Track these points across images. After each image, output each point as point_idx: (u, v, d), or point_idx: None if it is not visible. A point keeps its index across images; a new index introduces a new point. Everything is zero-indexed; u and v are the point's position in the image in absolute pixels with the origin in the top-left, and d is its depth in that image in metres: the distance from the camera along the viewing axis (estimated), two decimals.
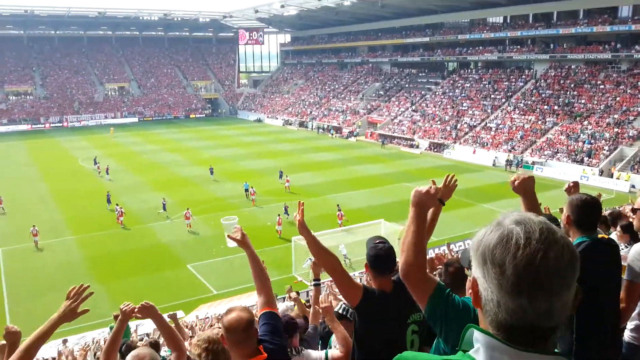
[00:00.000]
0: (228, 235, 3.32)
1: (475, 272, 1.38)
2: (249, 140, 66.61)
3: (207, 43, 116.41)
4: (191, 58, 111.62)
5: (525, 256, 1.25)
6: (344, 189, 39.89)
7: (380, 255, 3.44)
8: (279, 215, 30.76)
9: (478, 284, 1.37)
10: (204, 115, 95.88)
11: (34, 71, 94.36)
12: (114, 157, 51.99)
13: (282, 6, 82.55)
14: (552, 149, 48.40)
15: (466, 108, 62.16)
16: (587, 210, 3.18)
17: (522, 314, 1.28)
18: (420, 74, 77.74)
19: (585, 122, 49.63)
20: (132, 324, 19.10)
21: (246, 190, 37.51)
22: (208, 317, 17.61)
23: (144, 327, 18.32)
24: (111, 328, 13.13)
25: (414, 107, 68.57)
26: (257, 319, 2.97)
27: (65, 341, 17.14)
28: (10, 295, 22.89)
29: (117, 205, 33.25)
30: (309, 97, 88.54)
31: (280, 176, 41.75)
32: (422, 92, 71.63)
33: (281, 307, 8.13)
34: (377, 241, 3.52)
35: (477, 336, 1.37)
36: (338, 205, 32.03)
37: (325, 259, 3.33)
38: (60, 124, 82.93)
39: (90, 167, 49.28)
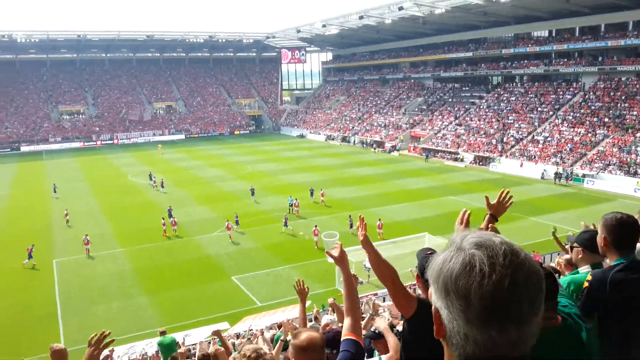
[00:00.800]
0: (327, 252, 3.29)
1: (437, 302, 1.25)
2: (292, 155, 67.25)
3: (251, 62, 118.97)
4: (235, 77, 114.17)
5: (492, 285, 1.14)
6: (387, 203, 39.61)
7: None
8: (315, 226, 30.98)
9: (441, 315, 1.25)
10: (247, 131, 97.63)
11: (86, 92, 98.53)
12: (162, 173, 53.35)
13: (324, 25, 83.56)
14: (603, 162, 46.76)
15: (512, 121, 60.98)
16: (624, 230, 2.94)
17: (492, 345, 1.17)
18: (464, 88, 77.00)
19: (639, 135, 47.85)
20: (179, 334, 19.44)
21: (290, 205, 37.80)
22: (252, 329, 17.69)
23: (190, 338, 18.57)
24: (159, 344, 13.38)
25: (457, 121, 67.81)
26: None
27: (112, 351, 17.28)
28: (63, 305, 23.65)
29: (162, 218, 34.12)
30: (351, 113, 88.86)
31: (311, 194, 41.47)
32: (466, 106, 70.81)
33: (324, 319, 8.13)
34: (429, 252, 3.46)
35: None
36: (380, 219, 32.09)
37: (384, 272, 3.22)
38: (111, 141, 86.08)
39: (140, 182, 50.83)
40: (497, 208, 3.38)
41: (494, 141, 58.68)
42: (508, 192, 3.28)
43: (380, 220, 31.77)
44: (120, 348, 18.60)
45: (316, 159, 63.21)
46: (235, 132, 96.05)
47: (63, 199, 44.12)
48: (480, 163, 56.31)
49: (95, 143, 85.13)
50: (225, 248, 30.81)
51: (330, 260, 3.18)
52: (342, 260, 3.08)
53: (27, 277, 27.19)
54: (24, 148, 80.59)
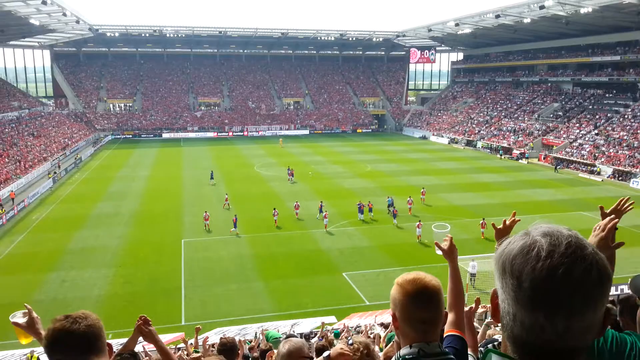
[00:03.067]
0: (436, 243, 3.21)
1: (496, 282, 1.29)
2: (413, 157, 66.35)
3: (379, 61, 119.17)
4: (362, 75, 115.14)
5: (545, 269, 1.16)
6: (510, 213, 37.51)
7: None
8: (420, 221, 31.89)
9: (497, 296, 1.29)
10: (370, 130, 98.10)
11: (222, 85, 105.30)
12: (286, 166, 55.45)
13: (457, 24, 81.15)
14: None
15: None
16: None
17: (539, 331, 1.18)
18: (607, 95, 70.46)
19: None
20: (289, 322, 20.15)
21: (389, 206, 37.38)
22: (360, 326, 17.76)
23: (299, 327, 19.16)
24: (266, 335, 13.88)
25: (597, 131, 62.33)
26: None
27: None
28: (187, 281, 25.60)
29: (274, 209, 35.64)
30: (478, 116, 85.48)
31: (390, 205, 37.89)
32: (608, 115, 64.82)
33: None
34: None
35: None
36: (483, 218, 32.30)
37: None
38: (242, 133, 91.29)
39: (265, 173, 53.44)
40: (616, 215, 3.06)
41: (638, 155, 53.14)
42: (628, 199, 2.92)
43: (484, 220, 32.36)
44: (233, 328, 19.75)
45: (438, 162, 61.77)
46: (358, 130, 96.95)
47: (193, 185, 47.77)
48: (620, 178, 51.30)
49: (227, 134, 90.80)
50: (338, 244, 31.30)
51: (439, 252, 3.09)
52: (451, 253, 2.98)
53: (158, 252, 29.80)
54: (165, 135, 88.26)
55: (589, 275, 1.16)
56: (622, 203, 2.93)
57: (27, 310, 2.71)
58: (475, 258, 25.27)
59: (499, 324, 1.30)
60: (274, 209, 35.83)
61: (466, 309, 3.13)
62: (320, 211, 35.73)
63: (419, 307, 2.00)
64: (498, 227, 2.88)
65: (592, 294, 1.16)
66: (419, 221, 32.49)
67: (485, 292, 23.79)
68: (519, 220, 3.01)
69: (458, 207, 39.61)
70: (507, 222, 2.91)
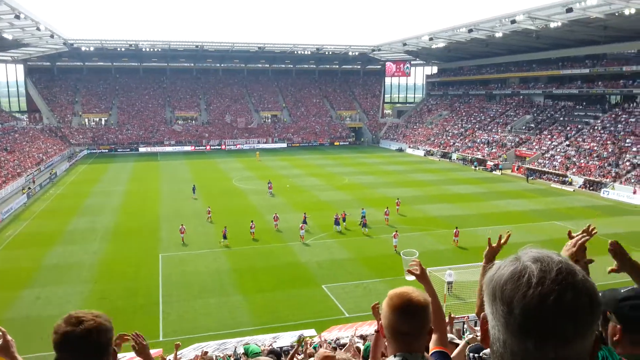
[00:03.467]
0: (407, 270, 3.19)
1: (486, 308, 1.29)
2: (390, 169, 67.05)
3: (355, 75, 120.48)
4: (339, 89, 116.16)
5: (536, 296, 1.14)
6: (486, 223, 38.28)
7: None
8: (396, 231, 32.88)
9: (487, 321, 1.28)
10: (347, 143, 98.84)
11: (200, 99, 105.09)
12: (264, 179, 55.50)
13: (431, 39, 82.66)
14: None
15: (630, 144, 56.42)
16: None
17: (528, 359, 1.17)
18: (578, 107, 72.41)
19: None
20: (268, 337, 20.20)
21: (363, 217, 37.54)
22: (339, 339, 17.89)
23: (279, 341, 19.21)
24: (245, 349, 13.94)
25: (568, 142, 63.95)
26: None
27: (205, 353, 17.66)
28: (165, 297, 25.43)
29: (252, 221, 35.87)
30: (453, 129, 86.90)
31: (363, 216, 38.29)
32: (579, 126, 66.61)
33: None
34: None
35: None
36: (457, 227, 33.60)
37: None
38: (219, 147, 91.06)
39: (243, 186, 53.42)
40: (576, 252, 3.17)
41: (607, 165, 54.67)
42: (593, 227, 3.12)
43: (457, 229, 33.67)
44: (212, 343, 19.70)
45: (414, 174, 62.55)
46: (335, 143, 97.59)
47: (170, 199, 47.49)
48: (591, 188, 52.67)
49: (204, 147, 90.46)
50: (317, 256, 31.47)
51: (410, 278, 3.16)
52: (423, 277, 3.07)
53: (135, 267, 29.54)
54: (142, 149, 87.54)
55: (580, 302, 1.15)
56: (588, 229, 3.16)
57: (1, 334, 2.53)
58: (452, 268, 25.75)
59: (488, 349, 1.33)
60: (252, 221, 35.92)
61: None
62: (305, 222, 35.87)
63: (402, 319, 2.10)
64: (493, 244, 2.99)
65: (583, 321, 1.16)
66: (396, 231, 33.10)
67: (462, 300, 24.27)
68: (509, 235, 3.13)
69: (434, 218, 40.20)
70: (502, 240, 3.04)
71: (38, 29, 66.06)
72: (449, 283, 25.22)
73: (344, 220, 37.32)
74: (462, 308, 23.95)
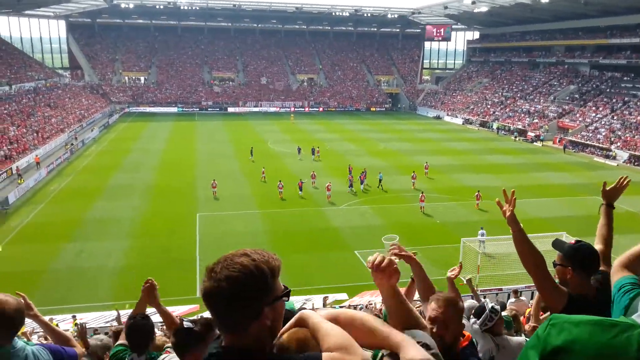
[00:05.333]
0: (393, 253, 3.03)
1: None
2: (426, 136, 66.16)
3: (394, 39, 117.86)
4: (377, 53, 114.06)
5: None
6: (523, 196, 37.45)
7: (587, 255, 3.11)
8: (422, 192, 33.80)
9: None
10: (383, 109, 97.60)
11: (237, 60, 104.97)
12: (299, 143, 55.58)
13: (473, 2, 79.80)
14: None
15: None
16: None
17: None
18: (625, 78, 69.42)
19: None
20: (301, 298, 20.57)
21: (380, 180, 39.19)
22: (372, 304, 18.05)
23: (310, 303, 19.56)
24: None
25: (614, 114, 61.66)
26: None
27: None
28: (202, 255, 26.10)
29: (279, 181, 36.53)
30: (493, 97, 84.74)
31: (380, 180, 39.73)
32: (625, 99, 64.01)
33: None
34: (576, 240, 3.20)
35: None
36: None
37: (527, 253, 3.09)
38: (255, 109, 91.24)
39: (278, 149, 53.68)
40: (613, 194, 3.37)
41: None
42: (627, 178, 3.33)
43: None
44: None
45: (451, 143, 61.55)
46: (372, 109, 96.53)
47: (208, 159, 48.19)
48: (636, 163, 50.92)
49: (240, 109, 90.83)
50: (350, 222, 31.63)
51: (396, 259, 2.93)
52: (409, 257, 3.22)
53: (174, 224, 30.33)
54: (178, 109, 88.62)
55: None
56: (620, 182, 3.33)
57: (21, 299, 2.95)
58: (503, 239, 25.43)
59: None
60: (280, 181, 36.36)
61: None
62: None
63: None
64: (608, 188, 3.42)
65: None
66: (422, 193, 34.16)
67: (493, 257, 24.63)
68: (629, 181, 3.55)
69: (468, 187, 39.59)
70: (621, 186, 3.56)
71: None
72: (482, 242, 25.84)
73: (361, 182, 38.77)
74: (493, 265, 24.41)
